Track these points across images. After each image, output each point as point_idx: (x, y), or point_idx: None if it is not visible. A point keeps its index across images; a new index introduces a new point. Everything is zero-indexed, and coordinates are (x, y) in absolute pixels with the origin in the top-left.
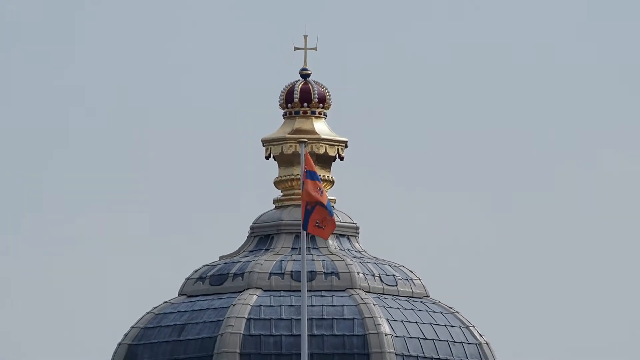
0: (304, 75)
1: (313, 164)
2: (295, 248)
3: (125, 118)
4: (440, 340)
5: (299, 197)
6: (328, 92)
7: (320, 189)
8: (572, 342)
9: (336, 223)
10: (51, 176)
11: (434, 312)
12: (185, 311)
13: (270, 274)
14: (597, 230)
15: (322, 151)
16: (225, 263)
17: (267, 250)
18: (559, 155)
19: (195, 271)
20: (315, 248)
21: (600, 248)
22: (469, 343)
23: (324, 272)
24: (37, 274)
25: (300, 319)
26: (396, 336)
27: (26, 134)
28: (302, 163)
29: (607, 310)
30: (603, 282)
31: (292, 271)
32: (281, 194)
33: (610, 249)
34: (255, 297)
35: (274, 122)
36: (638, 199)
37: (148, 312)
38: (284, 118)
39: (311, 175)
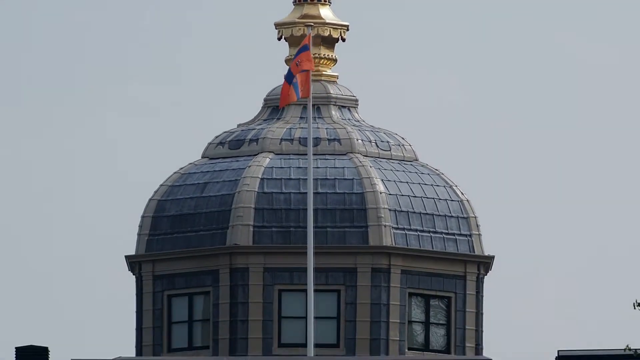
0: None
1: (310, 41)
2: (302, 117)
3: None
4: (427, 198)
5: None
6: None
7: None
8: (539, 195)
9: (338, 96)
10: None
11: (422, 173)
12: (207, 171)
13: (281, 139)
14: (574, 101)
15: (326, 34)
16: (242, 130)
17: (278, 119)
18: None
19: (216, 137)
20: (320, 117)
21: (578, 116)
22: (452, 200)
23: (328, 139)
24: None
25: (306, 178)
26: (389, 194)
27: None
28: (309, 43)
29: (579, 167)
30: (573, 146)
31: (300, 137)
32: None
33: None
34: (268, 159)
35: (285, 9)
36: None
37: (175, 172)
38: (293, 5)
39: (304, 48)
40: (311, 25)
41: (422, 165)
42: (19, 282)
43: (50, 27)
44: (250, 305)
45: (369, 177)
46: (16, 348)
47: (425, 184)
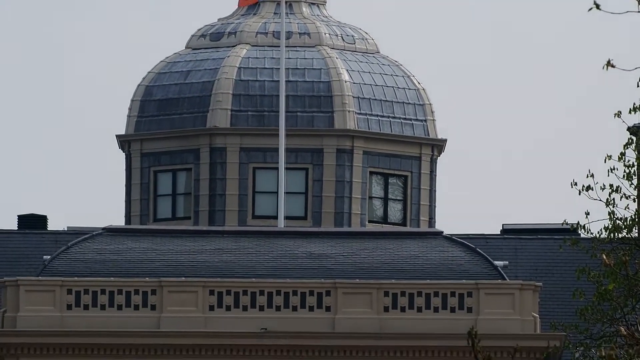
0: None
1: None
2: (276, 13)
3: None
4: (387, 87)
5: None
6: None
7: None
8: (489, 83)
9: None
10: None
11: (383, 64)
12: (190, 60)
13: (257, 33)
14: None
15: None
16: (222, 24)
17: (254, 14)
18: None
19: (199, 30)
20: (292, 13)
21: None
22: (409, 89)
23: (299, 32)
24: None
25: (279, 68)
26: (353, 83)
27: None
28: None
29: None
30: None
31: (273, 31)
32: None
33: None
34: (245, 50)
35: None
36: None
37: (161, 61)
38: None
39: None
40: None
41: (383, 57)
42: (22, 156)
43: None
44: (228, 181)
45: (335, 68)
46: (18, 216)
47: (386, 74)
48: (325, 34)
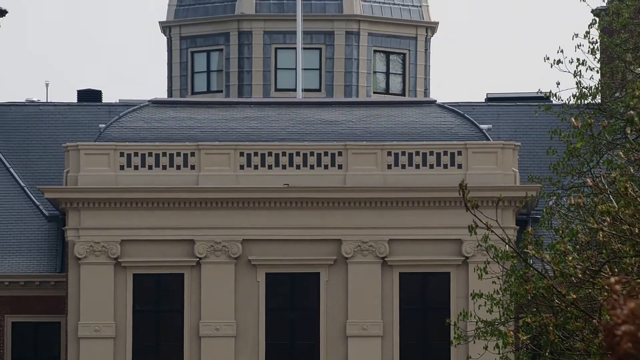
0: None
1: None
2: None
3: None
4: None
5: None
6: None
7: None
8: None
9: None
10: None
11: None
12: None
13: None
14: None
15: None
16: None
17: None
18: None
19: None
20: None
21: None
22: None
23: None
24: None
25: None
26: None
27: None
28: None
29: None
30: None
31: None
32: None
33: None
34: None
35: None
36: None
37: None
38: None
39: None
40: None
41: None
42: (82, 40)
43: None
44: (253, 60)
45: None
46: (77, 91)
47: None
48: None
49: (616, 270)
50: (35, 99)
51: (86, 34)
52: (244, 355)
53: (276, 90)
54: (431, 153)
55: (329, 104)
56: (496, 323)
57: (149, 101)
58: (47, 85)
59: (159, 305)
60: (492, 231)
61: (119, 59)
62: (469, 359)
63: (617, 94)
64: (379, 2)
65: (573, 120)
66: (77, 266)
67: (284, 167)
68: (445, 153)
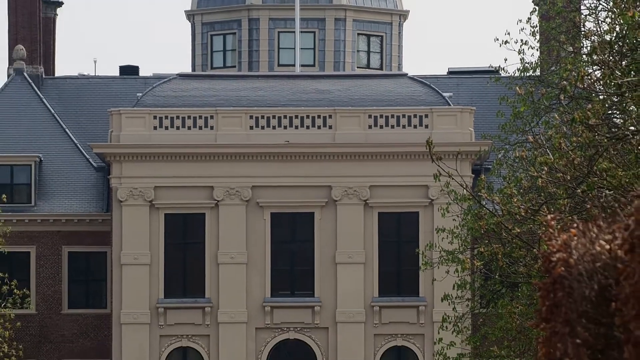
0: None
1: None
2: None
3: None
4: None
5: None
6: None
7: None
8: None
9: None
10: None
11: None
12: None
13: None
14: None
15: None
16: None
17: None
18: None
19: None
20: None
21: None
22: None
23: None
24: None
25: None
26: None
27: None
28: None
29: None
30: None
31: None
32: None
33: None
34: None
35: None
36: None
37: None
38: None
39: None
40: None
41: None
42: (123, 24)
43: None
44: (260, 41)
45: None
46: (119, 66)
47: None
48: None
49: (552, 209)
50: (85, 73)
51: (127, 21)
52: (254, 278)
53: (279, 65)
54: (403, 116)
55: (322, 76)
56: (456, 252)
57: (176, 75)
58: (95, 61)
59: (185, 238)
60: (452, 178)
61: (153, 40)
62: (434, 281)
63: (552, 68)
64: None
65: (517, 89)
66: (120, 207)
67: (285, 127)
68: (415, 116)
